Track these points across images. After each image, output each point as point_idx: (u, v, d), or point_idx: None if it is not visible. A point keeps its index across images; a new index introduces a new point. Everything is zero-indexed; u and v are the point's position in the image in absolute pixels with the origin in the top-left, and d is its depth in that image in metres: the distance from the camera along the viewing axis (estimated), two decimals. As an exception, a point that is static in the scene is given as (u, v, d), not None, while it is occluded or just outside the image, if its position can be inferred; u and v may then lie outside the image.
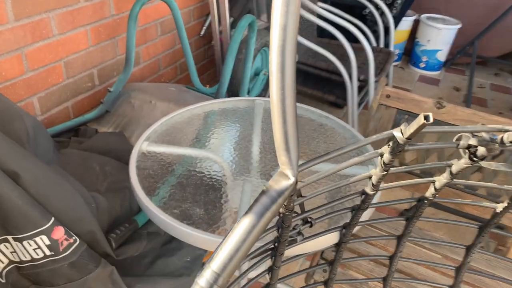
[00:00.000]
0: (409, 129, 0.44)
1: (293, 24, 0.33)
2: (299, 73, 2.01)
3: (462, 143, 0.53)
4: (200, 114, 1.10)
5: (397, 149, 0.49)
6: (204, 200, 0.80)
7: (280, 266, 0.69)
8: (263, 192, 0.38)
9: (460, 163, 0.58)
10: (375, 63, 1.92)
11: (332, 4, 2.17)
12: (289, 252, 0.72)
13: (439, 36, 3.04)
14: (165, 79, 1.90)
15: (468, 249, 0.81)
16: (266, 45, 1.76)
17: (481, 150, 0.52)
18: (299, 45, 1.90)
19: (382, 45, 2.16)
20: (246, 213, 0.37)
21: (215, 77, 2.30)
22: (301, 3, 1.87)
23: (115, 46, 1.51)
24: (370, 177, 0.58)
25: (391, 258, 0.85)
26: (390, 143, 0.49)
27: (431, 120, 0.41)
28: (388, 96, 1.19)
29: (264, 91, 1.96)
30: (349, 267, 1.10)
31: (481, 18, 3.00)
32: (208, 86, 1.73)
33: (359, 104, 1.91)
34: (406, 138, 0.45)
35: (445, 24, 3.01)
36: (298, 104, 1.20)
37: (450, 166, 0.60)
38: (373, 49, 2.06)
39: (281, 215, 0.56)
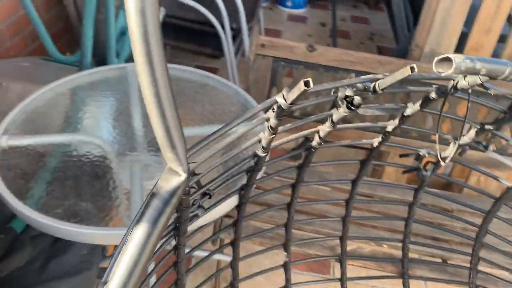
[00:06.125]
0: (291, 95, 0.43)
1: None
2: (170, 27, 1.90)
3: (340, 95, 0.54)
4: (65, 92, 0.97)
5: (282, 114, 0.48)
6: (89, 191, 0.73)
7: (185, 244, 0.68)
8: (153, 195, 0.34)
9: (339, 113, 0.60)
10: (245, 8, 1.89)
11: None
12: (193, 225, 0.70)
13: (300, -27, 3.11)
14: (14, 52, 1.63)
15: (354, 182, 0.89)
16: None
17: (357, 99, 0.54)
18: (164, -3, 1.77)
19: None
20: (138, 221, 0.33)
21: (75, 41, 2.06)
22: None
23: None
24: (260, 141, 0.58)
25: (289, 205, 0.89)
26: (275, 108, 0.48)
27: (311, 85, 0.41)
28: (263, 46, 1.19)
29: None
30: (250, 217, 1.13)
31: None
32: (68, 54, 1.54)
33: (236, 53, 1.89)
34: (290, 103, 0.45)
35: (304, -39, 3.08)
36: (177, 66, 1.14)
37: (331, 115, 0.63)
38: (240, -6, 2.02)
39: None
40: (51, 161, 0.78)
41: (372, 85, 0.53)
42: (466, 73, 0.47)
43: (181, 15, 1.80)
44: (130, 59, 1.78)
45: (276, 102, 0.46)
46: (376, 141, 0.79)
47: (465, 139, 0.72)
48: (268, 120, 0.52)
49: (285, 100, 0.45)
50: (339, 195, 1.19)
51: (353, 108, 0.57)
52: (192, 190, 0.60)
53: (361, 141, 0.80)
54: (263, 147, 0.59)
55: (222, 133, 0.44)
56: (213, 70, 2.46)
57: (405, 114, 0.69)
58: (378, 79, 0.52)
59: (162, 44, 0.31)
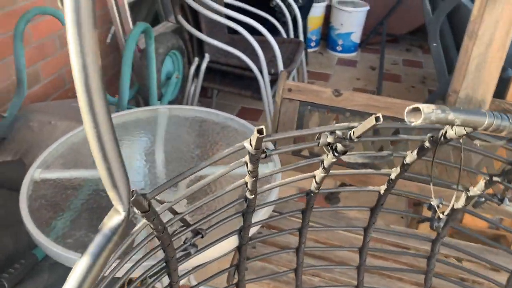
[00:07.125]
0: (252, 141, 0.45)
1: (92, 60, 0.32)
2: (215, 72, 2.00)
3: (322, 141, 0.55)
4: (99, 131, 1.06)
5: (254, 159, 0.50)
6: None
7: (178, 281, 0.69)
8: (98, 231, 0.37)
9: (328, 159, 0.60)
10: (287, 54, 1.95)
11: (240, -1, 2.17)
12: (191, 263, 0.71)
13: (351, 19, 3.16)
14: (74, 93, 1.81)
15: (365, 230, 0.86)
16: (174, 47, 1.73)
17: (339, 146, 0.55)
18: (209, 45, 1.89)
19: (292, 35, 2.21)
20: (82, 255, 0.36)
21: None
22: (206, 3, 1.86)
23: (6, 68, 1.42)
24: (246, 184, 0.60)
25: (297, 250, 0.88)
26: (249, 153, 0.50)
27: (264, 133, 0.42)
28: (290, 90, 1.22)
29: (181, 94, 1.93)
30: (270, 260, 1.12)
31: (386, -1, 3.15)
32: (117, 96, 1.68)
33: (274, 96, 1.94)
34: (254, 149, 0.46)
35: (355, 7, 3.13)
36: (203, 109, 1.19)
37: (322, 161, 0.63)
38: (284, 40, 2.10)
39: (157, 237, 0.55)
40: (74, 194, 0.85)
41: (349, 133, 0.53)
42: (438, 123, 0.46)
43: (224, 61, 1.90)
44: (173, 101, 1.89)
45: (244, 147, 0.48)
46: (382, 189, 0.77)
47: (475, 191, 0.68)
48: (247, 164, 0.54)
49: (251, 146, 0.47)
50: (355, 241, 1.14)
51: (336, 154, 0.57)
52: (179, 229, 0.62)
53: (367, 187, 0.78)
54: (249, 189, 0.60)
55: (187, 176, 0.47)
56: (259, 112, 2.53)
57: (405, 162, 0.67)
58: (353, 127, 0.52)
59: (103, 90, 0.35)
